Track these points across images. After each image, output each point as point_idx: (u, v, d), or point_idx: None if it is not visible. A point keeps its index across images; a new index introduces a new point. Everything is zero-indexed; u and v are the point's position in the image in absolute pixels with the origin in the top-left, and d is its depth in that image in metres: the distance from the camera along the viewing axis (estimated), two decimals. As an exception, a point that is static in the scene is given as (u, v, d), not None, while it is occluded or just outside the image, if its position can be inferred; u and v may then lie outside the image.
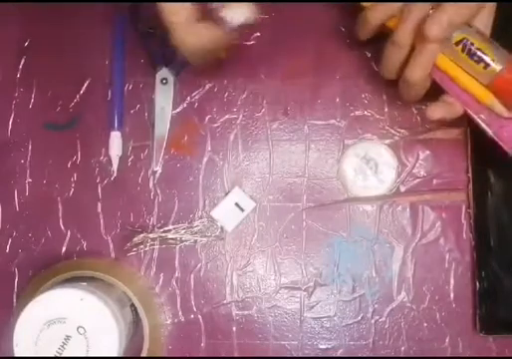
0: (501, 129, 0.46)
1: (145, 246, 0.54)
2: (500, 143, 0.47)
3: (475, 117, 0.47)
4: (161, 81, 0.55)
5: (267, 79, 0.55)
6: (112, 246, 0.54)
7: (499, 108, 0.46)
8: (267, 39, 0.55)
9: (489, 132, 0.47)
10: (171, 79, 0.55)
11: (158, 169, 0.54)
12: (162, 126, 0.55)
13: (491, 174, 0.53)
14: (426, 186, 0.54)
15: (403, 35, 0.45)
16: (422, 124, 0.54)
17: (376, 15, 0.47)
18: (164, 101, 0.55)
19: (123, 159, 0.55)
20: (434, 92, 0.47)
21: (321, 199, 0.54)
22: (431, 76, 0.46)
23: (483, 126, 0.47)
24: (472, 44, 0.44)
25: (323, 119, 0.55)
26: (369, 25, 0.47)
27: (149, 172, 0.55)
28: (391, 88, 0.54)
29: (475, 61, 0.45)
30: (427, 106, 0.47)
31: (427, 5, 0.44)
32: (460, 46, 0.45)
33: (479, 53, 0.44)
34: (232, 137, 0.55)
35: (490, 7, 0.46)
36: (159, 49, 0.55)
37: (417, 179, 0.54)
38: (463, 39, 0.44)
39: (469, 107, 0.47)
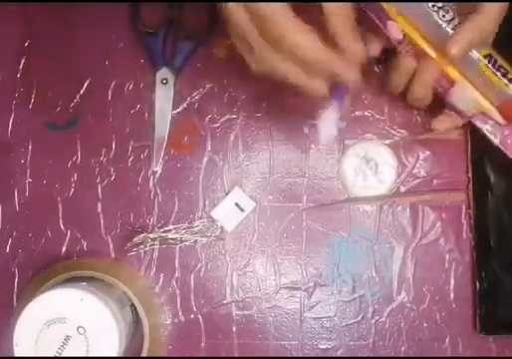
0: (506, 137, 0.48)
1: (145, 246, 0.54)
2: (505, 151, 0.48)
3: (481, 126, 0.48)
4: (161, 81, 0.55)
5: (267, 79, 0.55)
6: (112, 246, 0.54)
7: (496, 116, 0.47)
8: (267, 39, 0.55)
9: (495, 141, 0.47)
10: (171, 79, 0.55)
11: (158, 169, 0.54)
12: (162, 126, 0.55)
13: (491, 174, 0.53)
14: (426, 187, 0.54)
15: (399, 78, 0.48)
16: (422, 124, 0.54)
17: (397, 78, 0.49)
18: (164, 101, 0.55)
19: (122, 159, 0.55)
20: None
21: (321, 199, 0.54)
22: (435, 89, 0.47)
23: (488, 135, 0.48)
24: (496, 60, 0.45)
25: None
26: (396, 87, 0.50)
27: (149, 172, 0.55)
28: (392, 88, 0.54)
29: (499, 75, 0.45)
30: (433, 119, 0.49)
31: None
32: (486, 59, 0.45)
33: (503, 69, 0.45)
34: (232, 137, 0.55)
35: None
36: (159, 49, 0.55)
37: (417, 180, 0.54)
38: (489, 54, 0.45)
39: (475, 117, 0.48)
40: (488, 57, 0.45)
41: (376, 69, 0.55)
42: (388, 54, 0.49)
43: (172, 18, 0.55)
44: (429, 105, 0.50)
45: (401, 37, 0.45)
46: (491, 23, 0.44)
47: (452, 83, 0.46)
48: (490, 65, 0.45)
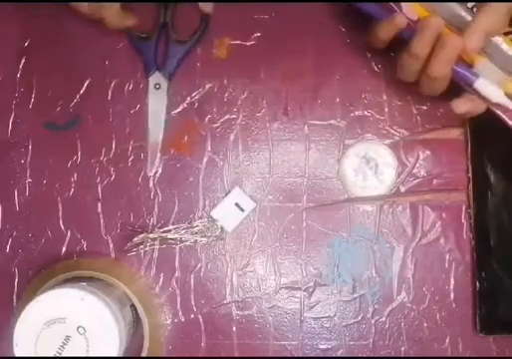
0: None
1: (145, 246, 0.54)
2: None
3: (502, 115, 0.47)
4: (154, 86, 0.55)
5: (267, 79, 0.55)
6: (112, 246, 0.54)
7: None
8: (267, 39, 0.55)
9: None
10: (165, 84, 0.55)
11: (152, 174, 0.54)
12: (156, 131, 0.54)
13: (491, 174, 0.53)
14: (426, 187, 0.54)
15: (421, 47, 0.45)
16: (422, 124, 0.54)
17: (384, 31, 0.47)
18: (158, 106, 0.55)
19: (122, 159, 0.55)
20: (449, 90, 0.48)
21: (321, 199, 0.54)
22: (453, 68, 0.46)
23: (510, 123, 0.47)
24: None
25: (323, 119, 0.55)
26: (379, 40, 0.48)
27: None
28: (391, 88, 0.54)
29: None
30: (452, 100, 0.47)
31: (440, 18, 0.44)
32: (510, 36, 0.45)
33: None
34: (232, 137, 0.55)
35: None
36: (152, 54, 0.55)
37: (417, 180, 0.54)
38: (510, 31, 0.45)
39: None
40: (511, 34, 0.45)
41: (376, 69, 0.55)
42: (398, 44, 0.48)
43: (164, 22, 0.55)
44: (442, 95, 0.49)
45: (417, 17, 0.45)
46: (505, 9, 0.43)
47: (472, 63, 0.45)
48: None
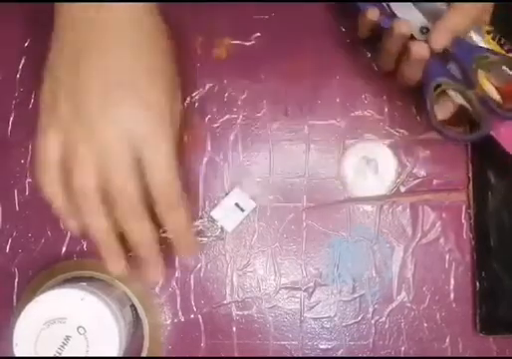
0: (499, 128, 0.47)
1: (145, 246, 0.54)
2: (499, 141, 0.47)
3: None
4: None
5: (267, 79, 0.55)
6: (112, 246, 0.54)
7: (494, 94, 0.46)
8: (267, 39, 0.55)
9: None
10: None
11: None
12: None
13: (491, 174, 0.53)
14: (426, 187, 0.54)
15: (391, 45, 0.47)
16: (422, 124, 0.54)
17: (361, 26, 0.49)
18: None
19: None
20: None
21: (321, 199, 0.54)
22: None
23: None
24: (500, 38, 0.46)
25: (323, 119, 0.55)
26: (364, 26, 0.49)
27: (149, 172, 0.55)
28: (391, 88, 0.54)
29: (506, 50, 0.45)
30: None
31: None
32: (491, 35, 0.45)
33: (508, 45, 0.45)
34: (232, 137, 0.55)
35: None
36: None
37: (417, 180, 0.54)
38: (492, 30, 0.46)
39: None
40: (492, 33, 0.45)
41: (376, 69, 0.55)
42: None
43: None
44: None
45: None
46: (473, 13, 0.44)
47: None
48: (495, 41, 0.45)
